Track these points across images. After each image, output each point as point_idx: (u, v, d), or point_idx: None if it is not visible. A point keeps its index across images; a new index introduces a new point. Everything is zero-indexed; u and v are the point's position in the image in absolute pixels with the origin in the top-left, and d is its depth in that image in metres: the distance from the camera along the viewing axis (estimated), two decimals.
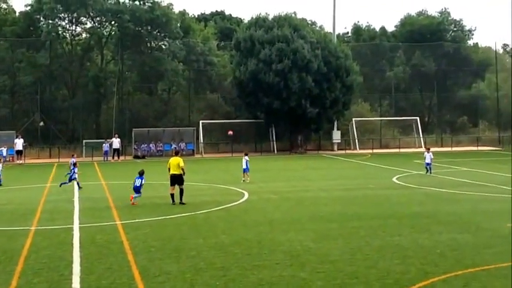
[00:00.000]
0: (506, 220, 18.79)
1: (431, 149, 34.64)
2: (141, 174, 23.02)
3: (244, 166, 29.92)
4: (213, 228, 17.91)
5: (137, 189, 22.72)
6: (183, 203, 22.15)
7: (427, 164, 32.38)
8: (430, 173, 31.91)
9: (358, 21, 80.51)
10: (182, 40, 56.81)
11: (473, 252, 14.69)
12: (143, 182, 22.94)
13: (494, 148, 53.55)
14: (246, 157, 30.43)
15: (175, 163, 22.31)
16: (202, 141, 52.21)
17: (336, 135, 54.03)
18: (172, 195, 22.47)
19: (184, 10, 64.46)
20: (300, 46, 49.00)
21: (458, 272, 12.94)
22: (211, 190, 26.84)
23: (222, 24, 69.53)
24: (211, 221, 19.14)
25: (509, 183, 27.85)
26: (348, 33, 72.58)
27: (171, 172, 22.41)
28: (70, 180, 27.09)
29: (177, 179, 22.33)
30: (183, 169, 22.28)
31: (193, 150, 51.41)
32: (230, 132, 43.56)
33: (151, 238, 16.41)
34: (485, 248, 15.19)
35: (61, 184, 27.22)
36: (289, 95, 48.73)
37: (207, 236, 16.60)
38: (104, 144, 47.92)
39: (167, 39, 56.80)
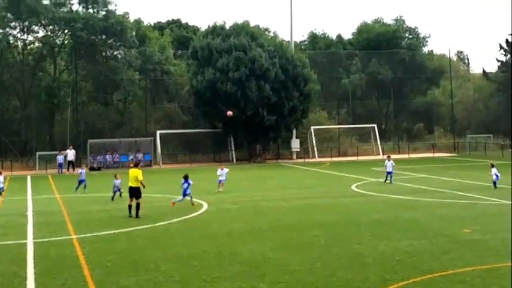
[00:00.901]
0: (462, 226, 19.05)
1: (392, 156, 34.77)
2: (186, 178, 24.61)
3: (223, 177, 29.78)
4: (171, 240, 17.65)
5: (184, 193, 24.58)
6: (138, 217, 21.69)
7: (389, 172, 31.77)
8: (391, 182, 31.60)
9: (314, 29, 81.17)
10: (138, 49, 56.28)
11: (431, 258, 14.80)
12: (190, 183, 24.69)
13: (449, 154, 54.50)
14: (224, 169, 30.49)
15: (134, 175, 21.93)
16: (159, 151, 51.69)
17: (295, 144, 54.20)
18: (130, 206, 22.12)
19: (139, 18, 63.99)
20: (258, 54, 49.07)
21: (417, 278, 13.01)
22: (169, 201, 26.52)
23: (179, 33, 69.22)
24: (170, 233, 18.86)
25: (464, 189, 28.33)
26: (304, 41, 73.16)
27: (129, 184, 22.08)
28: None
29: (134, 192, 21.97)
30: (141, 182, 21.91)
31: (150, 161, 50.86)
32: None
33: (108, 252, 16.05)
34: (442, 253, 15.33)
35: None
36: (247, 104, 48.71)
37: (166, 249, 16.32)
38: (58, 156, 46.91)
39: (122, 48, 56.09)
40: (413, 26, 71.28)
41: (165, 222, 20.79)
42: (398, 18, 70.94)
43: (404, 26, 70.66)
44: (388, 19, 72.55)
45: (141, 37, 58.68)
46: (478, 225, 19.24)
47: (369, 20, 72.94)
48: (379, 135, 57.60)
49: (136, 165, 22.77)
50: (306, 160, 52.43)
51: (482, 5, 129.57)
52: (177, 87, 58.82)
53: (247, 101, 48.67)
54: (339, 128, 59.47)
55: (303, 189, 31.05)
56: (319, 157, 53.90)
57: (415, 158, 50.64)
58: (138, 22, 62.40)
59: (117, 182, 27.53)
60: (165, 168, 48.12)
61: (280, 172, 42.07)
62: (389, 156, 33.31)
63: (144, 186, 22.09)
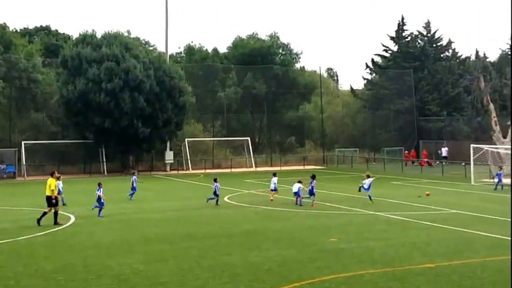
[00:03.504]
0: (329, 235, 19.75)
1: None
2: (216, 181, 28.25)
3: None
4: (34, 254, 16.81)
5: (215, 193, 28.08)
6: (57, 223, 22.15)
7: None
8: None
9: (191, 42, 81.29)
10: (2, 56, 53.37)
11: (298, 267, 15.19)
12: (218, 187, 28.20)
13: (319, 167, 56.43)
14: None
15: (47, 185, 22.75)
16: (24, 163, 49.22)
17: (169, 156, 53.76)
18: (44, 213, 22.45)
19: (4, 24, 60.76)
20: (132, 66, 48.22)
21: (284, 286, 13.29)
22: (35, 214, 25.24)
23: (48, 40, 66.46)
24: (33, 247, 17.96)
25: (332, 200, 29.44)
26: (181, 53, 72.99)
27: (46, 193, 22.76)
28: None
29: (47, 201, 22.66)
30: (52, 191, 22.50)
31: (14, 173, 48.33)
32: None
33: None
34: (309, 262, 15.79)
35: None
36: (121, 115, 47.66)
37: (28, 263, 15.51)
38: None
39: None
40: (286, 43, 73.36)
41: (29, 236, 19.79)
42: (273, 34, 72.74)
43: (279, 42, 72.51)
44: (263, 35, 74.06)
45: (6, 43, 55.69)
46: (343, 234, 20.05)
47: (244, 35, 74.25)
48: (253, 148, 58.56)
49: (51, 174, 23.52)
50: (180, 172, 52.16)
51: (351, 25, 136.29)
52: (45, 96, 56.27)
53: (121, 112, 47.62)
54: (213, 140, 59.82)
55: (176, 201, 30.81)
56: (193, 169, 53.83)
57: (286, 170, 51.93)
58: (3, 27, 59.23)
59: None
60: (30, 180, 45.83)
61: (153, 184, 41.48)
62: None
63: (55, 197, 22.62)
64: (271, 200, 29.30)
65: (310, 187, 27.81)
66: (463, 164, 43.02)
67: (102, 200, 25.14)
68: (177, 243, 18.56)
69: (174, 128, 52.12)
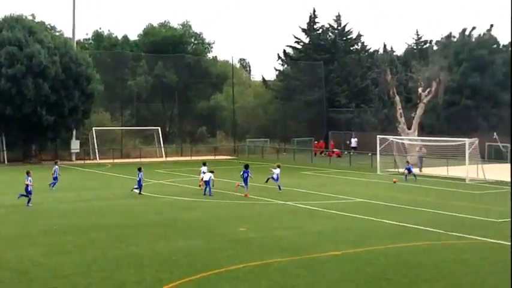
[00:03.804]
0: (239, 225, 19.70)
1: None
2: (140, 170, 28.03)
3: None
4: None
5: (139, 183, 27.94)
6: None
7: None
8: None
9: (100, 28, 78.83)
10: None
11: (206, 257, 15.05)
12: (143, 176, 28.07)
13: (230, 157, 56.41)
14: None
15: None
16: None
17: (75, 145, 52.04)
18: None
19: None
20: (36, 51, 46.17)
21: (192, 277, 13.11)
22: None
23: None
24: None
25: (242, 190, 29.44)
26: (89, 39, 70.74)
27: None
28: None
29: None
30: None
31: None
32: None
33: None
34: (218, 252, 15.67)
35: None
36: (24, 102, 45.58)
37: None
38: None
39: None
40: (198, 32, 72.74)
41: None
42: (185, 23, 71.89)
43: (191, 31, 71.77)
44: (175, 23, 72.94)
45: None
46: (253, 224, 20.09)
47: (156, 23, 72.96)
48: (163, 137, 57.77)
49: None
50: (87, 162, 50.62)
51: (264, 16, 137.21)
52: None
53: (23, 99, 45.54)
54: (122, 129, 58.51)
55: (81, 191, 29.85)
56: (100, 159, 52.40)
57: (197, 160, 51.53)
58: None
59: None
60: None
61: None
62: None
63: None
64: (200, 186, 29.11)
65: (245, 176, 27.93)
66: (370, 154, 44.27)
67: (29, 189, 24.18)
68: (82, 235, 17.96)
69: (81, 117, 50.50)
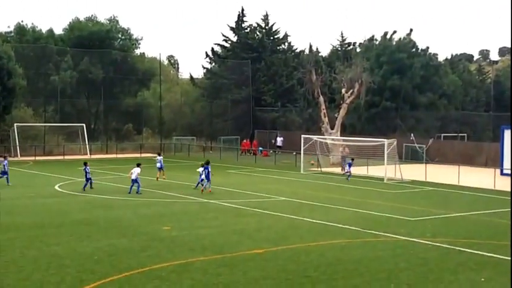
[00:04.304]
0: (162, 223, 19.76)
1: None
2: (86, 164, 28.48)
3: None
4: None
5: (87, 177, 28.34)
6: None
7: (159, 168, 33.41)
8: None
9: (22, 21, 76.40)
10: None
11: (129, 256, 15.07)
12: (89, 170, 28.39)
13: (156, 155, 55.97)
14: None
15: None
16: None
17: None
18: None
19: None
20: None
21: (114, 277, 13.12)
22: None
23: None
24: None
25: (166, 188, 29.44)
26: (11, 32, 68.42)
27: None
28: None
29: None
30: None
31: None
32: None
33: None
34: (141, 251, 15.72)
35: None
36: None
37: None
38: None
39: None
40: (126, 27, 71.60)
41: None
42: (113, 18, 70.60)
43: (118, 26, 70.59)
44: (102, 18, 71.55)
45: None
46: (176, 222, 20.20)
47: (82, 17, 71.36)
48: (88, 134, 56.68)
49: None
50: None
51: (193, 13, 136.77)
52: None
53: None
54: (45, 126, 57.03)
55: (1, 189, 28.98)
56: (21, 156, 50.94)
57: (122, 158, 50.94)
58: None
59: None
60: None
61: None
62: (159, 153, 35.56)
63: None
64: (157, 179, 32.24)
65: (206, 173, 28.02)
66: (294, 153, 45.04)
67: None
68: (0, 235, 17.55)
69: (1, 112, 49.03)
